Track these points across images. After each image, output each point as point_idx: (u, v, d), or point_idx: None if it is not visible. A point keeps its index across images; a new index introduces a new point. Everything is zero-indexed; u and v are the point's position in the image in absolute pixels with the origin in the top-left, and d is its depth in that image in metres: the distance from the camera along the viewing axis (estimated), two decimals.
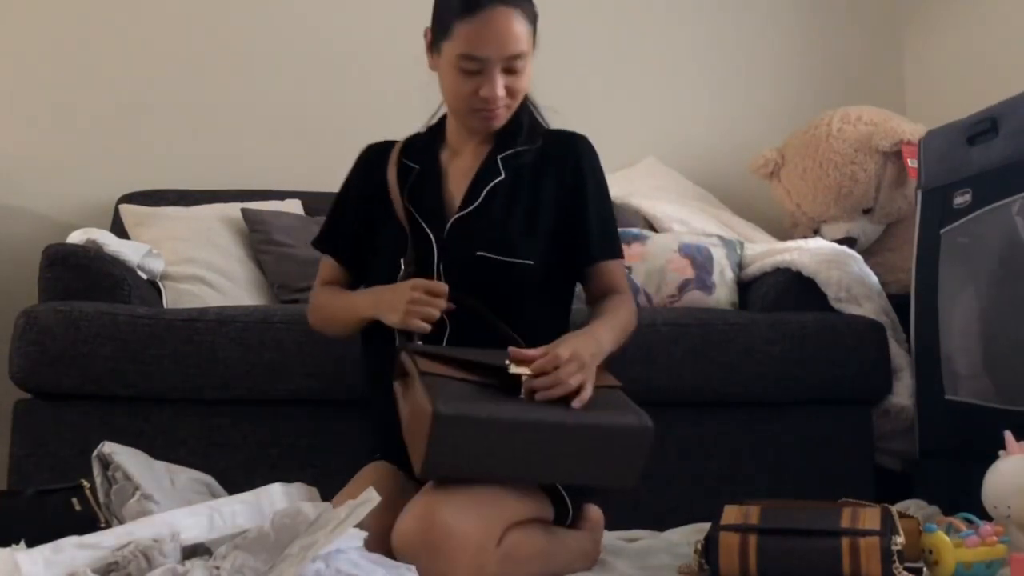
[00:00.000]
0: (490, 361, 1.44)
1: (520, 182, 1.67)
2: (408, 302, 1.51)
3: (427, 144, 1.75)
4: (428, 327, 1.50)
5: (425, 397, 1.35)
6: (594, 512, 1.68)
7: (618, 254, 1.72)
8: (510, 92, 1.60)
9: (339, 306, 1.70)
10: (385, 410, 1.57)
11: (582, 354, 1.45)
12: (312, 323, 1.78)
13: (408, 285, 1.53)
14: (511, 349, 1.45)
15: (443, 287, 1.53)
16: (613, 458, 1.42)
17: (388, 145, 1.78)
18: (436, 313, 1.50)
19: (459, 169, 1.70)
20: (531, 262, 1.61)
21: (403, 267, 1.60)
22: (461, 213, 1.64)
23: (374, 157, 1.77)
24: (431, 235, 1.63)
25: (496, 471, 1.41)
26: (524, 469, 1.41)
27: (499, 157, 1.67)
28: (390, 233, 1.67)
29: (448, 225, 1.64)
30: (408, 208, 1.66)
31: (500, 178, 1.66)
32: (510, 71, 1.59)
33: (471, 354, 1.47)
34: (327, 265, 1.78)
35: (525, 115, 1.70)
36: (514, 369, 1.41)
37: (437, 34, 1.62)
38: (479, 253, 1.60)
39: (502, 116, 1.63)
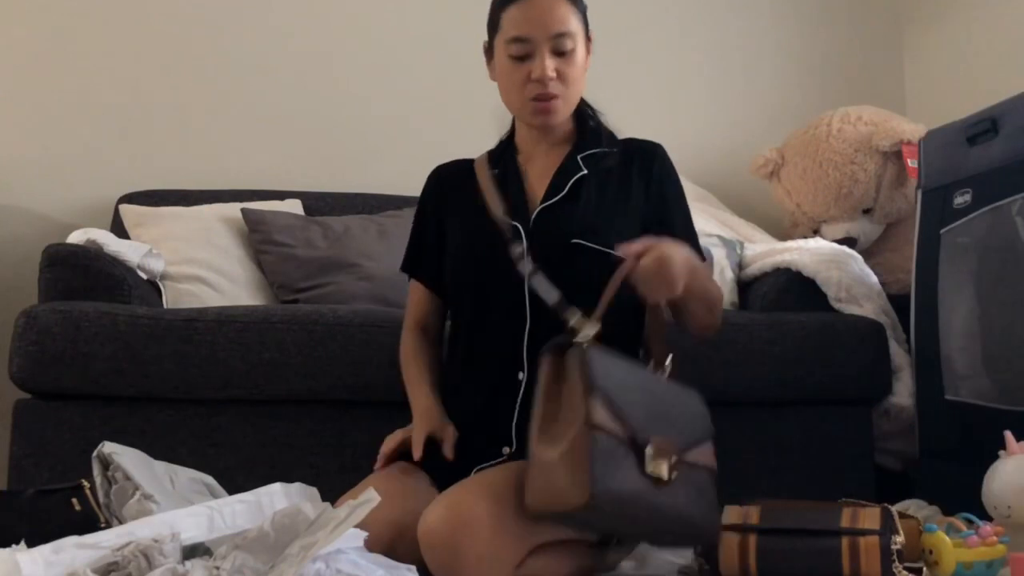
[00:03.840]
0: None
1: (606, 181, 1.67)
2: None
3: (501, 154, 1.75)
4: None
5: (585, 470, 1.27)
6: None
7: (702, 258, 1.71)
8: (561, 77, 1.61)
9: (407, 380, 1.72)
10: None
11: (677, 254, 1.44)
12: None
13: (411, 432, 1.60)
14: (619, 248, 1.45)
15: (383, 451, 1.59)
16: (677, 541, 1.50)
17: (458, 163, 1.79)
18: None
19: (537, 170, 1.70)
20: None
21: (515, 259, 1.58)
22: (548, 203, 1.64)
23: (445, 174, 1.79)
24: (519, 226, 1.62)
25: (592, 528, 1.45)
26: (611, 528, 1.46)
27: (579, 156, 1.68)
28: (465, 228, 1.68)
29: (535, 215, 1.63)
30: (490, 205, 1.65)
31: (583, 173, 1.66)
32: (559, 53, 1.60)
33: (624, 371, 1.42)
34: (415, 292, 1.77)
35: (595, 121, 1.72)
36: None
37: (490, 35, 1.67)
38: (574, 241, 1.59)
39: (558, 109, 1.63)
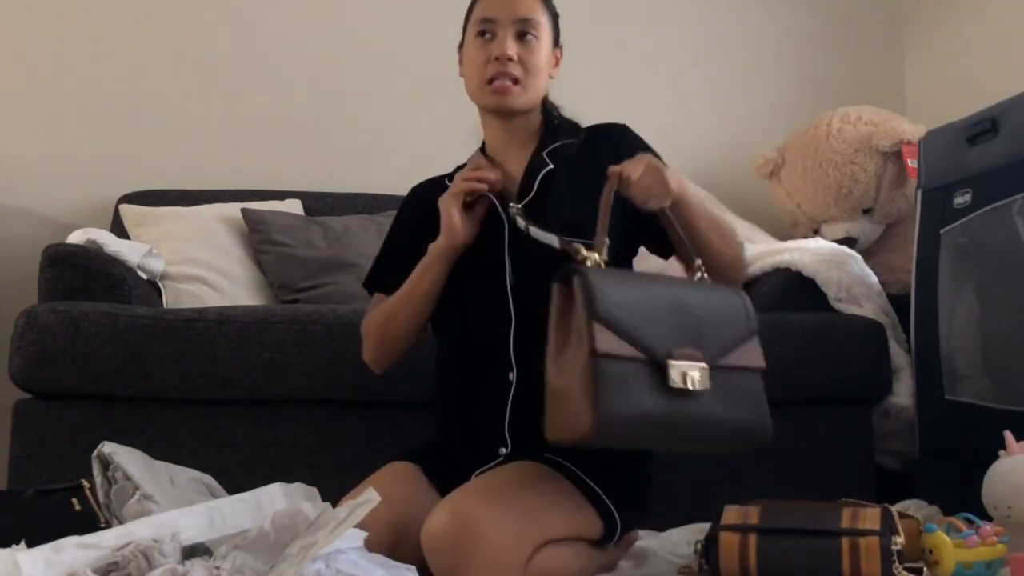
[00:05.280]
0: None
1: (573, 172, 1.66)
2: (454, 195, 1.58)
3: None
4: (484, 187, 1.57)
5: (591, 394, 1.28)
6: (633, 534, 1.67)
7: None
8: (522, 62, 1.63)
9: (397, 295, 1.67)
10: (441, 431, 1.64)
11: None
12: (370, 349, 1.72)
13: (449, 192, 1.60)
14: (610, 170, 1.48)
15: (479, 167, 1.58)
16: (721, 447, 1.49)
17: (432, 181, 1.79)
18: (490, 175, 1.57)
19: (505, 176, 1.68)
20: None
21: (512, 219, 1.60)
22: (519, 205, 1.63)
23: (422, 191, 1.79)
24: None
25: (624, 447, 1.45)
26: (642, 445, 1.47)
27: (544, 152, 1.68)
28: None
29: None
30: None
31: (549, 167, 1.66)
32: (522, 37, 1.63)
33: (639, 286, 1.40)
34: (379, 299, 1.75)
35: (557, 115, 1.73)
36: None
37: (464, 30, 1.71)
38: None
39: (515, 92, 1.63)
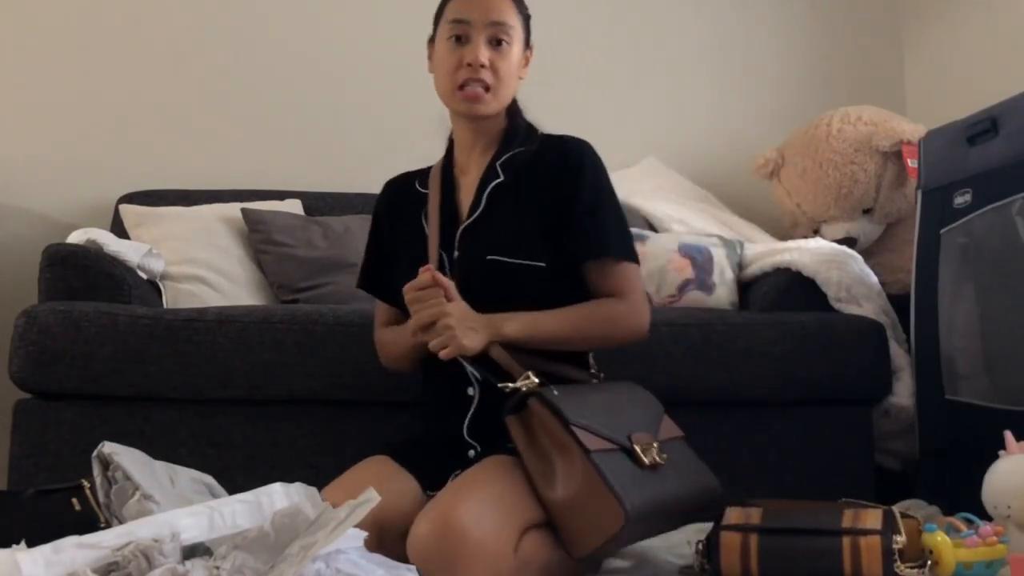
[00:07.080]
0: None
1: (521, 184, 1.68)
2: (413, 309, 1.54)
3: (440, 169, 1.78)
4: (450, 353, 1.51)
5: (607, 490, 1.36)
6: None
7: (612, 253, 1.65)
8: (493, 69, 1.65)
9: (391, 340, 1.76)
10: (429, 433, 1.68)
11: (457, 318, 1.50)
12: (384, 364, 1.80)
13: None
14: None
15: (423, 277, 1.53)
16: (695, 512, 1.55)
17: (405, 176, 1.84)
18: (436, 309, 1.51)
19: (467, 182, 1.73)
20: (543, 264, 1.61)
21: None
22: (468, 222, 1.67)
23: (395, 187, 1.83)
24: (441, 249, 1.66)
25: (631, 541, 1.52)
26: (645, 533, 1.52)
27: (498, 163, 1.70)
28: (409, 254, 1.70)
29: (457, 235, 1.66)
30: (423, 226, 1.70)
31: (499, 180, 1.68)
32: (494, 43, 1.65)
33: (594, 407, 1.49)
34: (379, 305, 1.82)
35: (520, 120, 1.75)
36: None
37: (434, 28, 1.72)
38: (490, 257, 1.61)
39: (487, 99, 1.65)
